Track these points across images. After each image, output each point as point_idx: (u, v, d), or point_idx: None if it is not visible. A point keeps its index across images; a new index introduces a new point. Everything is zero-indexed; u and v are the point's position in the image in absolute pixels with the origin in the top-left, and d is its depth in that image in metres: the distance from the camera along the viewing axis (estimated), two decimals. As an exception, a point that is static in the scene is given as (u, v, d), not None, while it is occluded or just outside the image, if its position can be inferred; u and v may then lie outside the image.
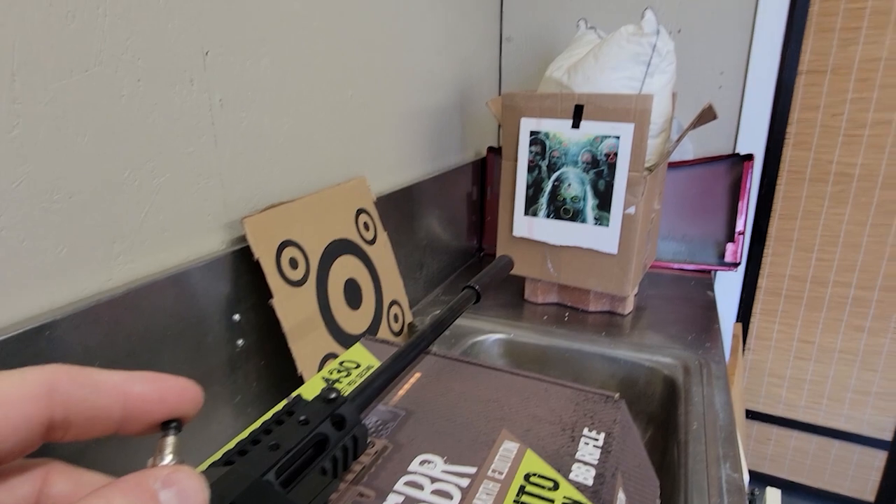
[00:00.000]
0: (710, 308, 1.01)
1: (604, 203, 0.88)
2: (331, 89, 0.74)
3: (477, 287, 0.44)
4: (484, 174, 1.29)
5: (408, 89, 0.95)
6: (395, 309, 0.82)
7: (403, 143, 0.95)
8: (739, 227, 1.18)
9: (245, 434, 0.27)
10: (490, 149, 1.27)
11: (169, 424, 0.19)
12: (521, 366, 0.91)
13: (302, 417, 0.27)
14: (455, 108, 1.15)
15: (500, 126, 0.93)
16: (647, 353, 0.85)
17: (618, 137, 0.84)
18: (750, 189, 1.18)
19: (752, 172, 1.17)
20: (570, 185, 0.90)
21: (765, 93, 1.17)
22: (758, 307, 1.32)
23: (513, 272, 1.07)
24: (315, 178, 0.73)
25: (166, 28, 0.50)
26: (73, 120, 0.43)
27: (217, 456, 0.24)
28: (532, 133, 0.91)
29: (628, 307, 0.98)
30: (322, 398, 0.29)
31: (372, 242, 0.79)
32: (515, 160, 0.94)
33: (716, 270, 1.21)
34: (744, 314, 1.33)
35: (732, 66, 1.18)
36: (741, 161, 1.18)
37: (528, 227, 0.95)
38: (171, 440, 0.19)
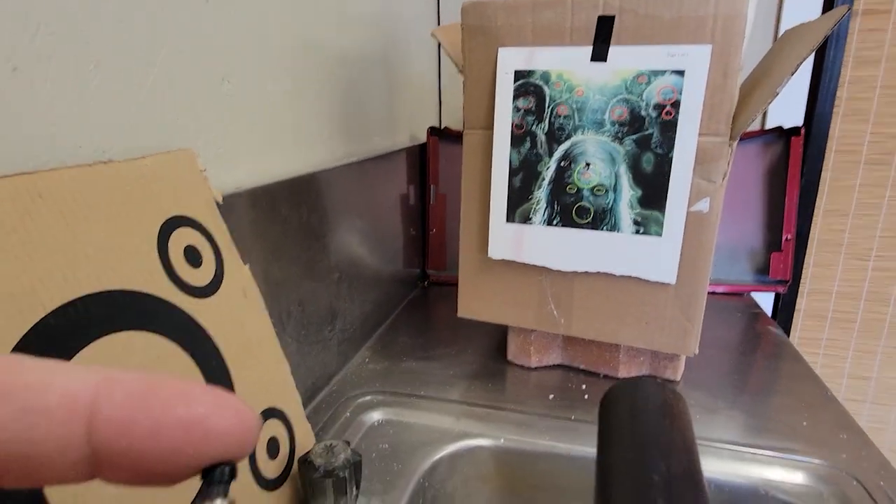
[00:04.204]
0: (795, 358, 0.65)
1: (653, 195, 0.49)
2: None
3: None
4: (425, 168, 0.88)
5: (294, 9, 0.52)
6: (271, 428, 0.39)
7: (287, 101, 0.53)
8: (787, 230, 0.85)
9: None
10: (432, 130, 0.87)
11: (213, 473, 0.13)
12: (520, 491, 0.51)
13: None
14: (380, 60, 0.73)
15: (461, 72, 0.52)
16: (753, 460, 0.46)
17: (681, 73, 0.46)
18: (798, 178, 0.85)
19: (800, 154, 0.84)
20: (589, 165, 0.51)
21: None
22: (796, 335, 0.99)
23: (486, 319, 0.66)
24: (35, 144, 0.29)
25: None
26: None
27: None
28: (520, 76, 0.51)
29: (679, 369, 0.60)
30: None
31: (206, 292, 0.35)
32: (490, 127, 0.54)
33: (752, 292, 0.87)
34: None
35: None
36: (784, 137, 0.85)
37: (516, 242, 0.55)
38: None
